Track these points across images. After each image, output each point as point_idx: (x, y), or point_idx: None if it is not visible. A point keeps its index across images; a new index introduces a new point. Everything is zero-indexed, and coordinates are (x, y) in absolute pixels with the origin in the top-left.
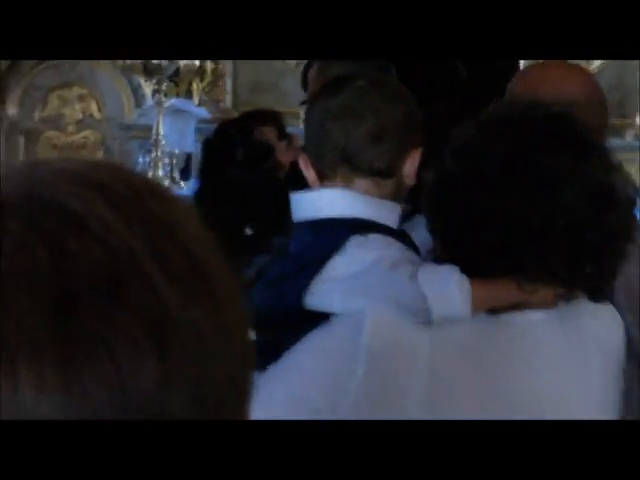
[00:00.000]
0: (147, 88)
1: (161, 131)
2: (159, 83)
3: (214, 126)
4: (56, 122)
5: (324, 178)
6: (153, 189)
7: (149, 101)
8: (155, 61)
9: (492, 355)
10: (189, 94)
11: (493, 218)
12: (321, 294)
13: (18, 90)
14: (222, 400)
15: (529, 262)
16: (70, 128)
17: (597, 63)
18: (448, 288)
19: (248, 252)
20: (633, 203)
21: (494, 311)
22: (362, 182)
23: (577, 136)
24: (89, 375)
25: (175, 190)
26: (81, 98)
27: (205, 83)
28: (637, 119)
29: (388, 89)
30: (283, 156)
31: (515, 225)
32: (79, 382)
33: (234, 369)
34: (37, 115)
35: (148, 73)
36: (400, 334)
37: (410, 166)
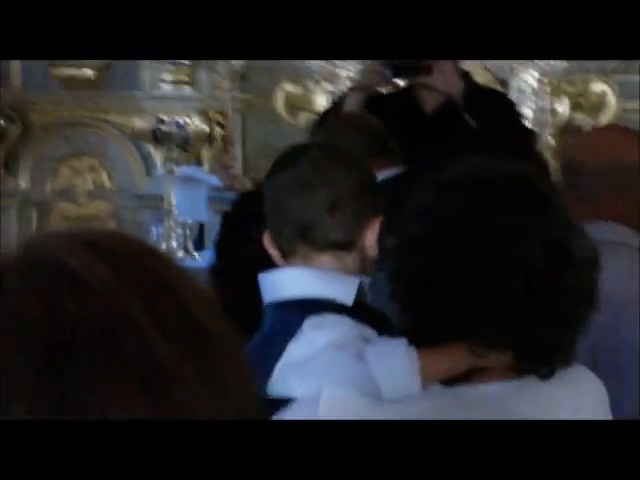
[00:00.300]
0: (157, 156)
1: (173, 200)
2: (169, 151)
3: (226, 194)
4: (67, 194)
5: (285, 256)
6: (151, 250)
7: (159, 170)
8: (164, 128)
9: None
10: (199, 162)
11: (450, 279)
12: (281, 381)
13: (29, 161)
14: None
15: (483, 324)
16: (82, 199)
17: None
18: (395, 365)
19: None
20: (593, 265)
21: (450, 380)
22: (322, 258)
23: (535, 194)
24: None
25: (189, 261)
26: (92, 168)
27: (215, 150)
28: None
29: (343, 158)
30: None
31: (471, 286)
32: None
33: None
34: (48, 187)
35: (157, 141)
36: (353, 414)
37: (371, 236)
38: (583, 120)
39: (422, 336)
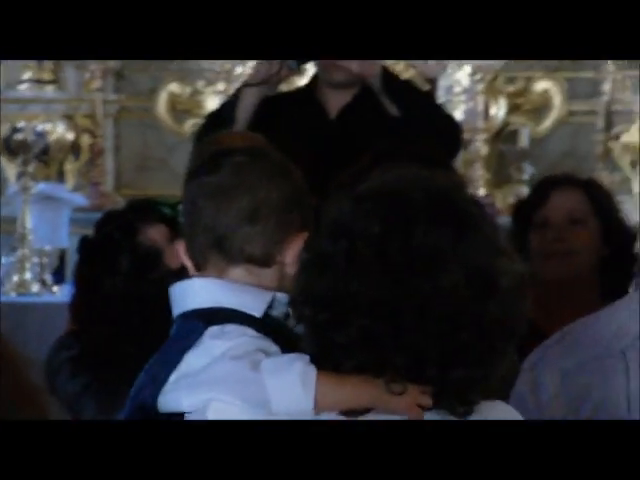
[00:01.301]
0: (10, 170)
1: (28, 224)
2: (25, 164)
3: (93, 215)
4: None
5: (199, 267)
6: None
7: (12, 187)
8: (19, 137)
9: None
10: (61, 177)
11: (363, 304)
12: (172, 392)
13: None
14: None
15: (397, 356)
16: None
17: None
18: (289, 380)
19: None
20: (519, 294)
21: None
22: (236, 271)
23: (459, 215)
24: None
25: (47, 296)
26: None
27: (81, 162)
28: None
29: (270, 165)
30: (174, 261)
31: (384, 313)
32: None
33: None
34: None
35: (11, 152)
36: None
37: (292, 253)
38: (521, 124)
39: (330, 365)
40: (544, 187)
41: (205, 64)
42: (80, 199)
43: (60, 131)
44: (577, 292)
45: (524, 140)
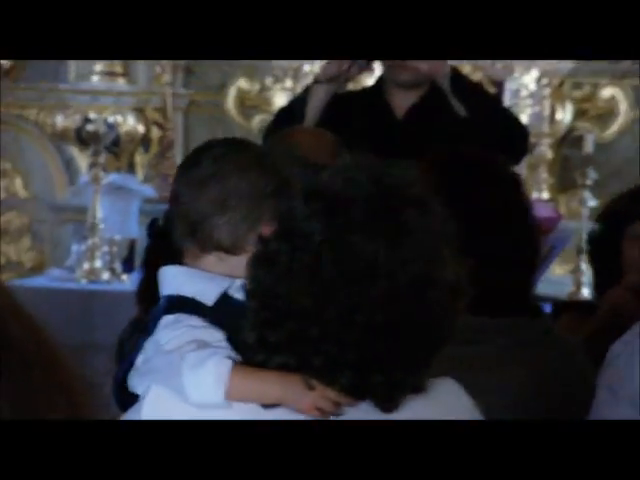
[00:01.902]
0: (82, 161)
1: (99, 213)
2: (96, 155)
3: (162, 207)
4: None
5: (180, 254)
6: None
7: (84, 177)
8: (91, 128)
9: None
10: (132, 168)
11: (295, 308)
12: (132, 377)
13: None
14: None
15: (316, 360)
16: None
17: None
18: (203, 372)
19: None
20: (447, 301)
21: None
22: (208, 258)
23: (395, 224)
24: None
25: (116, 284)
26: (4, 173)
27: (151, 154)
28: None
29: (245, 157)
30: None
31: (312, 319)
32: None
33: None
34: None
35: (83, 142)
36: (169, 415)
37: None
38: (587, 129)
39: (260, 358)
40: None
41: (273, 61)
42: (149, 190)
43: (131, 123)
44: None
45: (589, 146)
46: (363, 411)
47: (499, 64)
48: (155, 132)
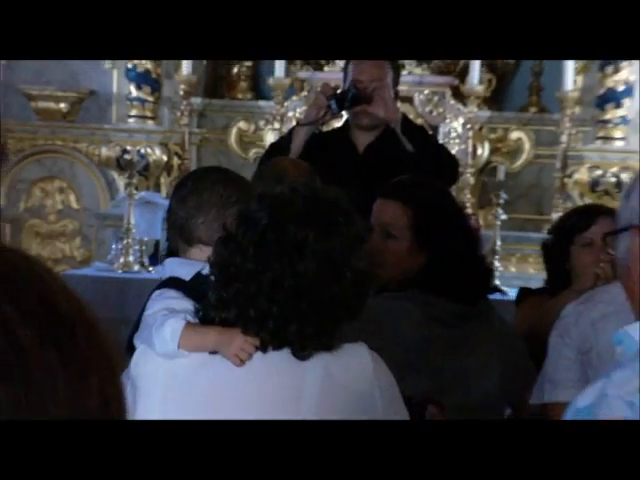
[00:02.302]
0: (120, 181)
1: (132, 220)
2: (130, 177)
3: None
4: (39, 212)
5: (176, 250)
6: (34, 265)
7: (122, 193)
8: (127, 157)
9: (204, 385)
10: (157, 187)
11: (241, 274)
12: (135, 336)
13: (5, 183)
14: None
15: (250, 312)
16: (51, 217)
17: (518, 164)
18: (162, 330)
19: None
20: (360, 282)
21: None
22: (193, 250)
23: (324, 221)
24: None
25: (144, 274)
26: (61, 190)
27: (172, 177)
28: (552, 215)
29: (216, 177)
30: None
31: (252, 283)
32: None
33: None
34: (22, 205)
35: (121, 168)
36: (148, 366)
37: None
38: (499, 162)
39: (214, 314)
40: (590, 213)
41: (265, 108)
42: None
43: (157, 154)
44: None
45: (501, 174)
46: (283, 358)
47: (435, 112)
48: (175, 161)
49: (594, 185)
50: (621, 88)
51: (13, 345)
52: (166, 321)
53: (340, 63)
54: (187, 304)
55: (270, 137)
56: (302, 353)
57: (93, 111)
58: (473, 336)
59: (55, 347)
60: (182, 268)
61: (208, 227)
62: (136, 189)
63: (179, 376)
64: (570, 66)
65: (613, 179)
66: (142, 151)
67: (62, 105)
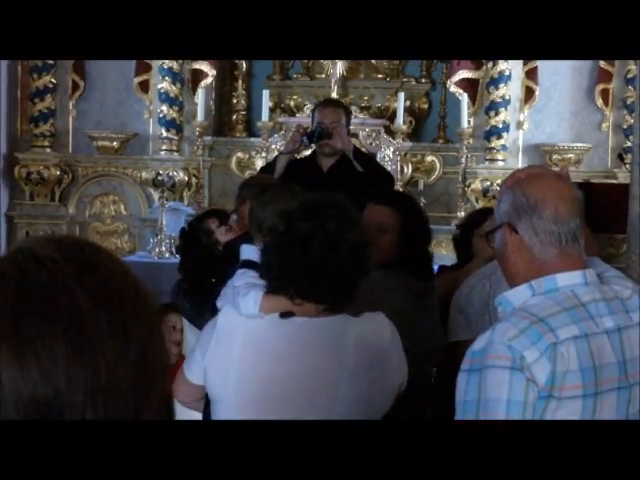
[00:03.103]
0: (155, 195)
1: (164, 222)
2: (162, 192)
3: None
4: (99, 217)
5: (250, 238)
6: (92, 245)
7: (156, 203)
8: (160, 178)
9: (274, 339)
10: (181, 199)
11: (287, 259)
12: (219, 298)
13: (75, 197)
14: (116, 377)
15: (299, 286)
16: (108, 221)
17: (432, 178)
18: (248, 298)
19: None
20: (359, 249)
21: (283, 314)
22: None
23: (321, 216)
24: (31, 354)
25: (173, 259)
26: (114, 202)
27: (191, 192)
28: (457, 213)
29: (287, 190)
30: (221, 236)
31: (291, 265)
32: (24, 358)
33: (131, 362)
34: (87, 213)
35: (155, 185)
36: (232, 321)
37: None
38: (419, 177)
39: (275, 286)
40: (484, 213)
41: (255, 143)
42: (190, 210)
43: (181, 176)
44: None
45: (421, 186)
46: (330, 323)
47: (373, 144)
48: (193, 180)
49: (485, 192)
50: (501, 126)
51: (74, 308)
52: (250, 291)
53: (307, 111)
54: (261, 282)
55: (259, 163)
56: (331, 308)
57: (136, 147)
58: (430, 304)
59: (105, 310)
60: (254, 253)
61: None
62: (166, 200)
63: (254, 332)
64: (465, 110)
65: (497, 187)
66: (170, 174)
67: (115, 143)
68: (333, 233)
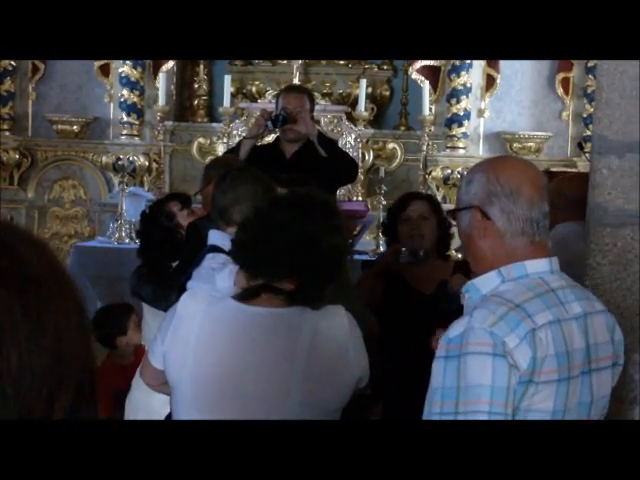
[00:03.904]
0: (115, 180)
1: (124, 207)
2: (122, 177)
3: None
4: (58, 202)
5: (219, 227)
6: (8, 227)
7: (116, 188)
8: (120, 163)
9: (231, 325)
10: (142, 183)
11: (266, 244)
12: (191, 280)
13: (34, 181)
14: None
15: (269, 272)
16: (67, 205)
17: (394, 165)
18: (224, 273)
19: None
20: (338, 252)
21: (245, 299)
22: (229, 229)
23: (303, 208)
24: None
25: (133, 245)
26: (74, 186)
27: (152, 177)
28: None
29: (248, 176)
30: (183, 220)
31: (265, 251)
32: None
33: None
34: (46, 197)
35: (116, 170)
36: (191, 307)
37: None
38: (380, 164)
39: (246, 266)
40: (405, 199)
41: (217, 128)
42: (151, 195)
43: (141, 161)
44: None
45: (382, 173)
46: (287, 314)
47: (335, 130)
48: (154, 165)
49: (445, 180)
50: (462, 113)
51: None
52: (225, 267)
53: (269, 97)
54: (232, 264)
55: (221, 148)
56: (313, 303)
57: (96, 131)
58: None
59: (19, 296)
60: (224, 240)
61: (240, 214)
62: (126, 185)
63: (212, 318)
64: (426, 98)
65: (458, 175)
66: (130, 159)
67: (75, 127)
68: (316, 231)
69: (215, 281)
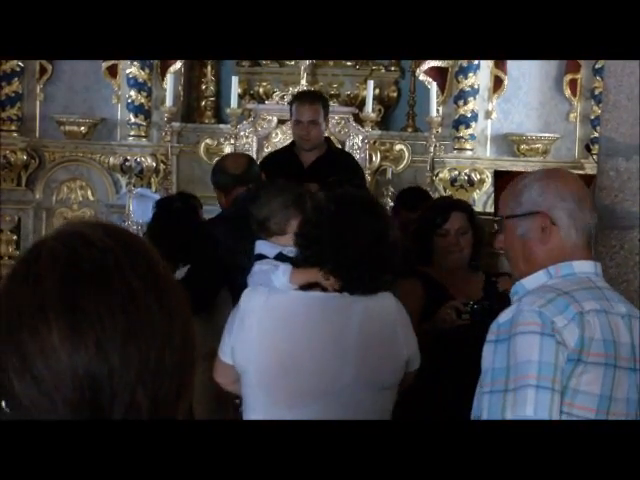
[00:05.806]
0: (122, 181)
1: (131, 208)
2: (130, 178)
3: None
4: (66, 202)
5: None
6: (133, 234)
7: (124, 189)
8: (127, 164)
9: (289, 313)
10: (149, 185)
11: (320, 244)
12: (249, 279)
13: (42, 182)
14: (162, 357)
15: (333, 263)
16: (74, 206)
17: (401, 167)
18: (278, 271)
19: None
20: (397, 245)
21: (306, 287)
22: (272, 238)
23: (353, 214)
24: (88, 329)
25: None
26: (81, 187)
27: (159, 178)
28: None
29: (277, 189)
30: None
31: (339, 244)
32: (82, 333)
33: (172, 339)
34: (54, 198)
35: (123, 171)
36: (253, 301)
37: (292, 229)
38: (388, 166)
39: (313, 258)
40: (445, 210)
41: (224, 129)
42: (158, 196)
43: (149, 162)
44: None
45: (389, 174)
46: (342, 298)
47: (342, 132)
48: (161, 166)
49: (453, 181)
50: (469, 115)
51: (128, 288)
52: (279, 266)
53: (276, 98)
54: (279, 265)
55: (228, 149)
56: (368, 289)
57: (104, 132)
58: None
59: (156, 294)
60: (269, 248)
61: (277, 224)
62: (134, 186)
63: (273, 307)
64: (434, 99)
65: (465, 177)
66: (138, 160)
67: (82, 128)
68: (382, 226)
69: (271, 280)
